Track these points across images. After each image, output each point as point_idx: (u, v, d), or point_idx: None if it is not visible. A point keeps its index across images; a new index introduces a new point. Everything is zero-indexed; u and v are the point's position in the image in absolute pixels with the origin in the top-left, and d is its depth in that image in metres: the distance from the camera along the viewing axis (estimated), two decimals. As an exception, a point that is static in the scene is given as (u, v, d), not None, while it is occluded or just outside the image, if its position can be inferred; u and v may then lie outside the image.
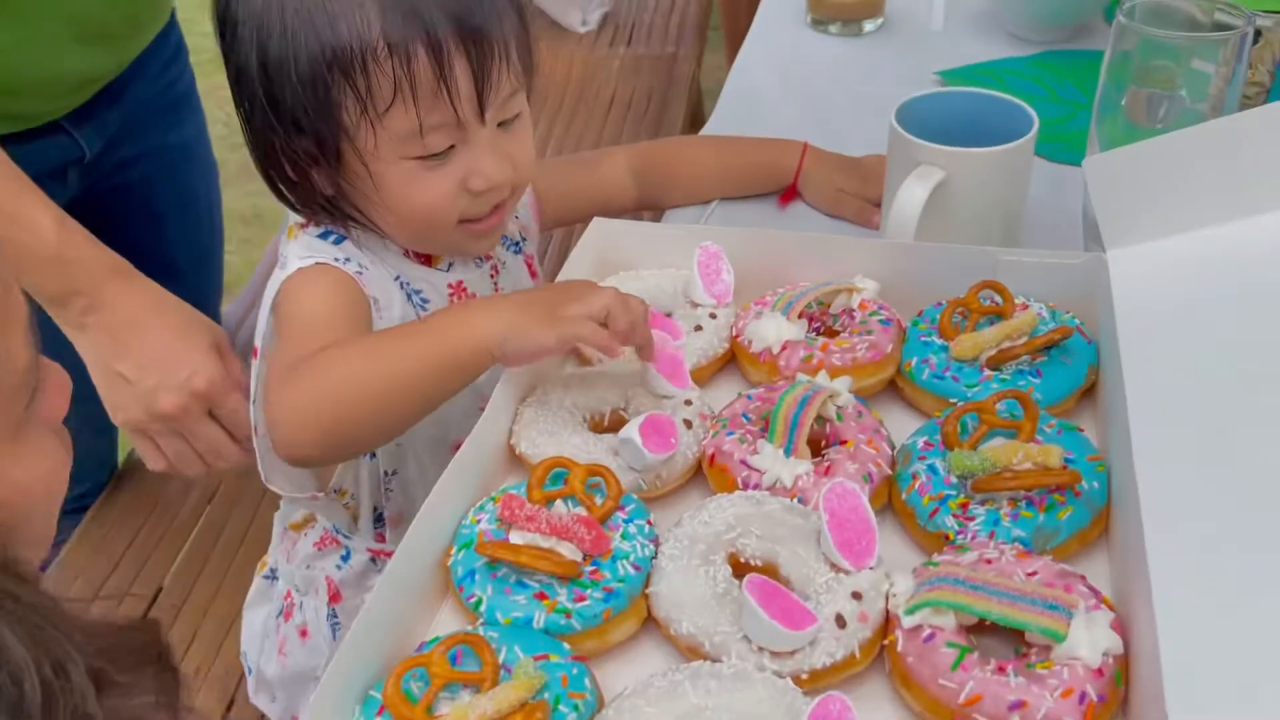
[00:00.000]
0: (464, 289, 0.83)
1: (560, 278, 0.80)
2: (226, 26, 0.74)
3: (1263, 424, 0.63)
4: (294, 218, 0.82)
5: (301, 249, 0.79)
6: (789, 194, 0.98)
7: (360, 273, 0.78)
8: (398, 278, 0.81)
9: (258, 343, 0.80)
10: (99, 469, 1.30)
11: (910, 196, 0.78)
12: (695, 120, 2.23)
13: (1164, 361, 0.67)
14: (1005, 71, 1.14)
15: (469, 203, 0.77)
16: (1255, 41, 0.98)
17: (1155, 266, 0.73)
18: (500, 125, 0.76)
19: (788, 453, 0.66)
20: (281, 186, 0.78)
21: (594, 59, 2.17)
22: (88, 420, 0.93)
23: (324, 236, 0.80)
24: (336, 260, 0.78)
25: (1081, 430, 0.67)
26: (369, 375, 0.69)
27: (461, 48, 0.71)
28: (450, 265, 0.83)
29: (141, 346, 0.81)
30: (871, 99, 1.12)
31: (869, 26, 1.23)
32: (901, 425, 0.72)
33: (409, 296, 0.81)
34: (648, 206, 1.00)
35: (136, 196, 1.13)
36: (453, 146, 0.74)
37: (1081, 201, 0.83)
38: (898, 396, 0.75)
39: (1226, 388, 0.65)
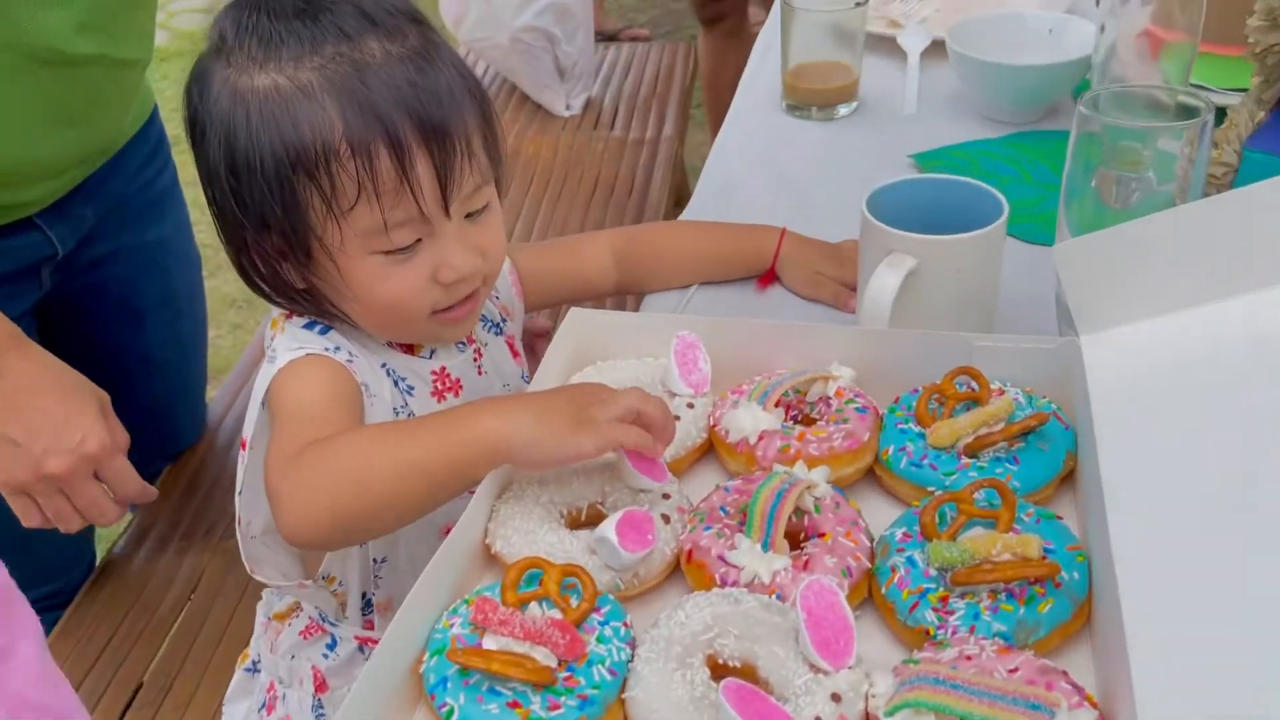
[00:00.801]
0: (447, 375, 0.84)
1: (540, 368, 0.80)
2: (196, 128, 0.76)
3: (1239, 510, 0.62)
4: (276, 309, 0.82)
5: (290, 341, 0.79)
6: (767, 278, 0.99)
7: (350, 360, 0.79)
8: (384, 365, 0.82)
9: (246, 434, 0.80)
10: (74, 565, 1.29)
11: (883, 284, 0.79)
12: (680, 198, 2.26)
13: (1139, 448, 0.67)
14: (978, 153, 1.15)
15: (440, 294, 0.77)
16: (1220, 122, 1.00)
17: (1129, 351, 0.73)
18: (468, 217, 0.77)
19: (765, 547, 0.65)
20: (257, 280, 0.79)
21: (578, 142, 2.20)
22: None
23: (310, 326, 0.81)
24: (327, 350, 0.78)
25: (1061, 519, 0.67)
26: (379, 464, 0.69)
27: (424, 146, 0.72)
28: (432, 352, 0.84)
29: (33, 411, 0.85)
30: (847, 182, 1.13)
31: (843, 111, 1.26)
32: (880, 515, 0.71)
33: (395, 383, 0.82)
34: (628, 290, 1.01)
35: (112, 293, 1.14)
36: (419, 240, 0.75)
37: (1053, 281, 0.83)
38: (876, 485, 0.75)
39: (1203, 474, 0.65)
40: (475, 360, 0.86)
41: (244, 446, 0.80)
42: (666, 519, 0.69)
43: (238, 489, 0.81)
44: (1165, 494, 0.63)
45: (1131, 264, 0.73)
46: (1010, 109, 1.19)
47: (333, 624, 0.88)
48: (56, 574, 1.25)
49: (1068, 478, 0.73)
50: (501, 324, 0.91)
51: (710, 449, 0.78)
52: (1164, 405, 0.69)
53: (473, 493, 0.69)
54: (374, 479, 0.68)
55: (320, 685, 0.88)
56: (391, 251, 0.75)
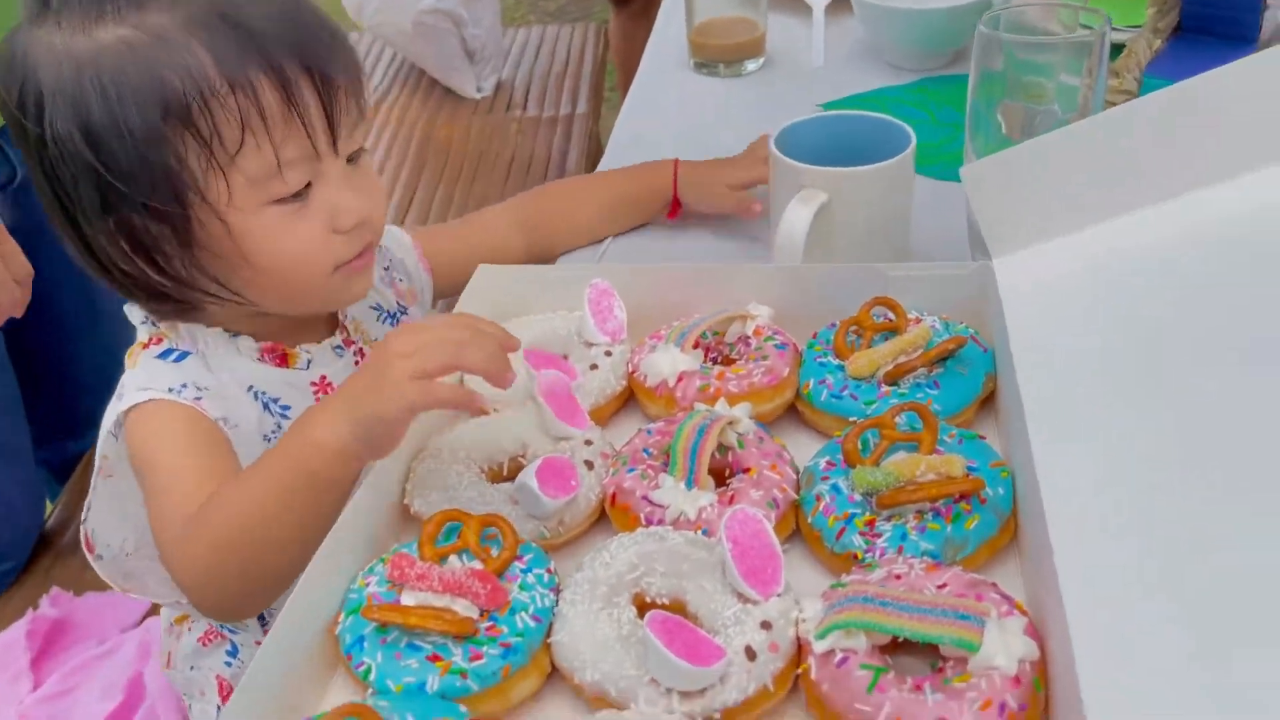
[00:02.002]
0: (329, 385, 0.79)
1: None
2: (27, 110, 0.67)
3: (1155, 417, 0.62)
4: (140, 335, 0.77)
5: (139, 377, 0.74)
6: (674, 209, 0.98)
7: (199, 399, 0.73)
8: (251, 388, 0.76)
9: (98, 458, 0.75)
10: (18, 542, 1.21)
11: (795, 220, 0.78)
12: (594, 160, 2.24)
13: (1055, 363, 0.67)
14: (886, 99, 1.15)
15: (341, 245, 0.73)
16: (1117, 54, 1.01)
17: (1040, 270, 0.73)
18: (349, 161, 0.74)
19: (690, 485, 0.63)
20: (119, 277, 0.72)
21: (491, 124, 2.17)
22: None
23: (165, 355, 0.75)
24: (171, 391, 0.72)
25: (983, 438, 0.66)
26: (249, 517, 0.64)
27: (306, 74, 0.69)
28: (309, 362, 0.79)
29: None
30: (758, 133, 1.13)
31: (751, 66, 1.25)
32: (804, 449, 0.70)
33: (265, 407, 0.77)
34: (536, 257, 0.98)
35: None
36: (309, 185, 0.71)
37: (965, 214, 0.83)
38: (798, 420, 0.74)
39: (1118, 385, 0.65)
40: (357, 362, 0.82)
41: (99, 472, 0.76)
42: (590, 465, 0.67)
43: (84, 515, 0.76)
44: (1083, 407, 0.63)
45: (1038, 183, 0.73)
46: (916, 55, 1.19)
47: (231, 630, 0.83)
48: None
49: (988, 400, 0.72)
50: (399, 314, 0.87)
51: (630, 397, 0.77)
52: (1076, 320, 0.69)
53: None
54: (252, 535, 0.64)
55: (227, 695, 0.83)
56: (286, 200, 0.70)
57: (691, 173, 0.97)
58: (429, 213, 1.92)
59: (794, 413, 0.74)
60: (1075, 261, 0.73)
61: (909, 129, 0.82)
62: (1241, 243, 0.70)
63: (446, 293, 0.94)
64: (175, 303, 0.74)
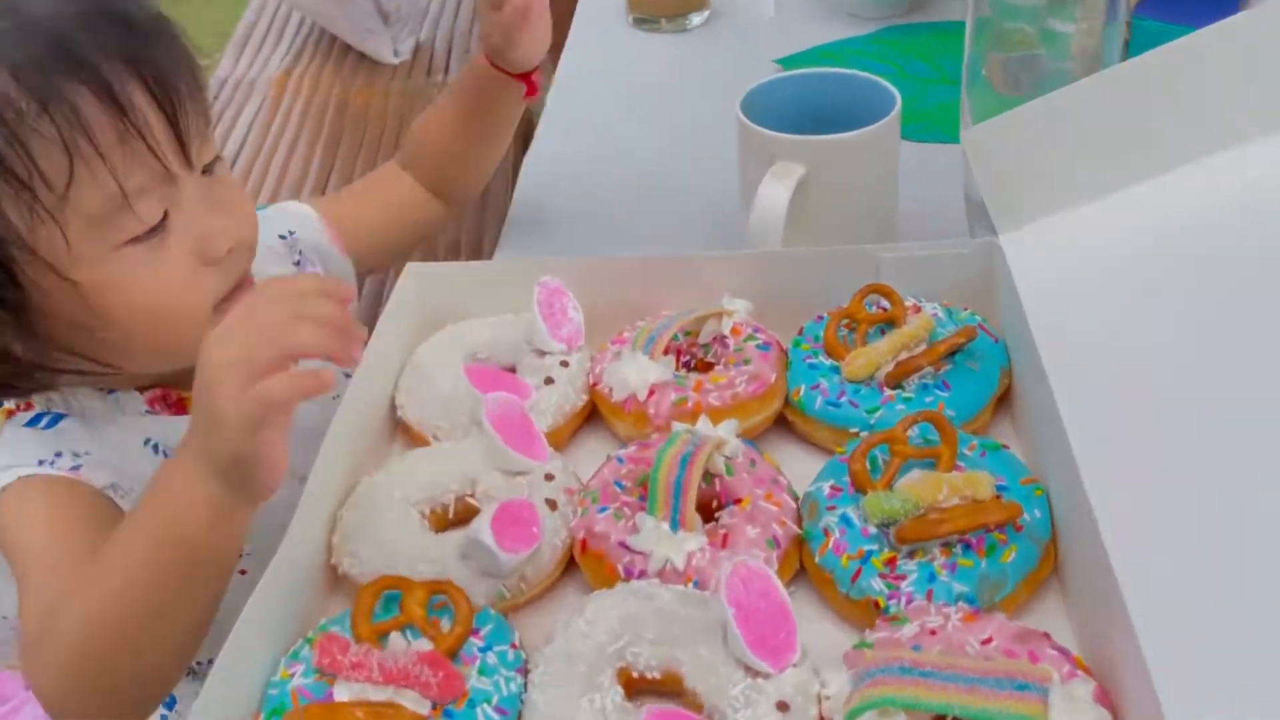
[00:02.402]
0: None
1: (374, 342, 0.66)
2: None
3: (1206, 412, 0.54)
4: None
5: (3, 456, 0.60)
6: (529, 89, 0.82)
7: (77, 467, 0.60)
8: (148, 440, 0.64)
9: None
10: None
11: (771, 198, 0.68)
12: (527, 137, 2.11)
13: (1086, 353, 0.58)
14: (848, 52, 1.05)
15: (215, 279, 0.61)
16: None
17: (1055, 246, 0.64)
18: (205, 171, 0.61)
19: (674, 526, 0.53)
20: None
21: (411, 89, 2.02)
22: None
23: (34, 422, 0.62)
24: (42, 464, 0.60)
25: (1007, 448, 0.57)
26: (105, 618, 0.52)
27: (137, 81, 0.56)
28: None
29: None
30: (711, 94, 1.02)
31: (696, 20, 1.14)
32: (800, 466, 0.61)
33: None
34: (443, 196, 0.85)
35: None
36: (167, 215, 0.58)
37: (962, 182, 0.74)
38: (788, 431, 0.64)
39: (1158, 376, 0.56)
40: None
41: None
42: (552, 504, 0.57)
43: None
44: (1125, 405, 0.55)
45: (1049, 147, 0.64)
46: (876, 3, 1.09)
47: None
48: None
49: (1002, 398, 0.63)
50: None
51: (594, 412, 0.66)
52: (1104, 303, 0.60)
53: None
54: (115, 637, 0.52)
55: None
56: (141, 238, 0.57)
57: (495, 32, 0.78)
58: (349, 190, 1.78)
59: (782, 422, 0.64)
60: (1094, 235, 0.64)
61: (892, 88, 0.72)
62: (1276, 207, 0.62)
63: (367, 265, 0.82)
64: (20, 389, 0.61)
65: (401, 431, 0.67)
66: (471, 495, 0.59)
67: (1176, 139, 0.64)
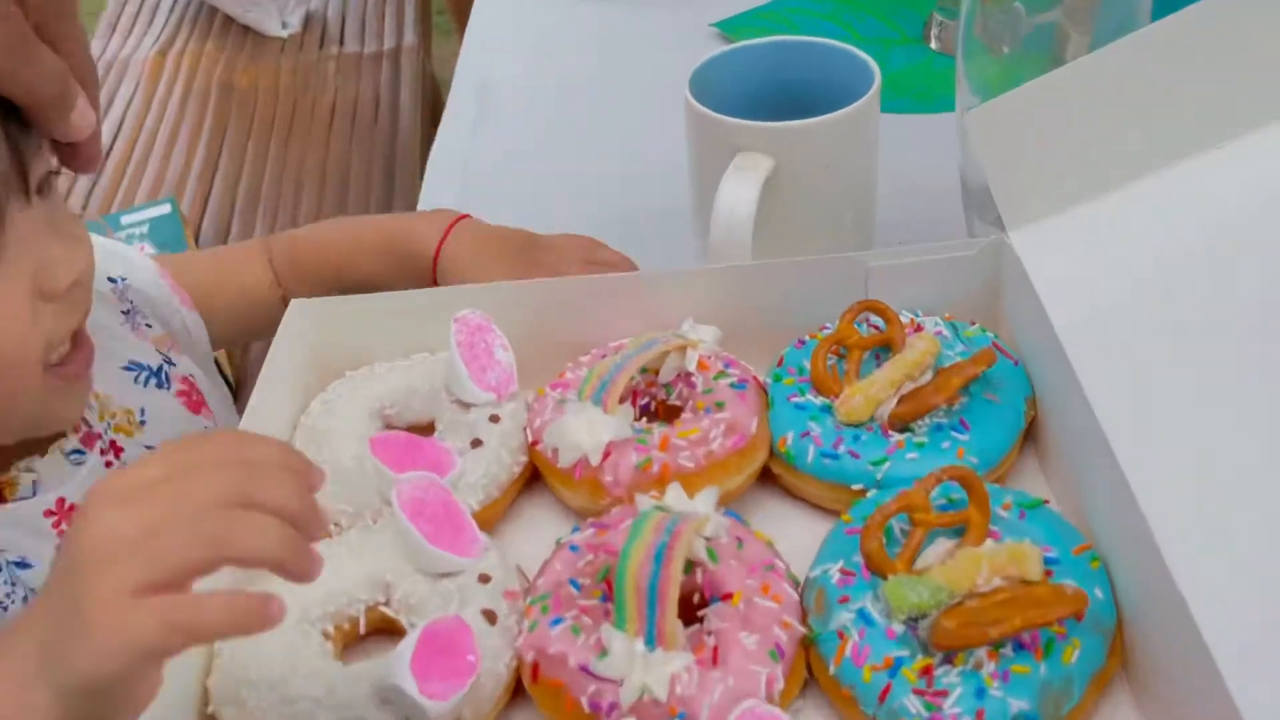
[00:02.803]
0: (70, 511, 0.53)
1: (255, 401, 0.53)
2: None
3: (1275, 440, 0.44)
4: None
5: None
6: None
7: None
8: None
9: None
10: None
11: (736, 200, 0.56)
12: (436, 115, 1.96)
13: (1130, 374, 0.48)
14: (793, 12, 0.93)
15: (54, 317, 0.49)
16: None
17: (1076, 243, 0.53)
18: (39, 192, 0.48)
19: (651, 642, 0.42)
20: None
21: (303, 65, 1.85)
22: None
23: None
24: None
25: (1048, 503, 0.47)
26: None
27: None
28: (35, 485, 0.53)
29: None
30: (640, 67, 0.90)
31: (619, -21, 1.00)
32: (795, 533, 0.50)
33: None
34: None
35: None
36: None
37: (950, 162, 0.63)
38: (774, 485, 0.53)
39: (1216, 392, 0.46)
40: (109, 464, 0.56)
41: None
42: (491, 617, 0.45)
43: None
44: (1186, 443, 0.44)
45: (1061, 129, 0.53)
46: (819, -47, 0.97)
47: None
48: None
49: (1027, 432, 0.53)
50: (167, 365, 0.62)
51: (534, 475, 0.54)
52: (1140, 311, 0.50)
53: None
54: None
55: None
56: None
57: (464, 249, 0.66)
58: (239, 181, 1.61)
59: (767, 473, 0.53)
60: (1120, 228, 0.53)
61: (869, 60, 0.61)
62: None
63: (217, 340, 0.70)
64: None
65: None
66: (385, 604, 0.47)
67: (1213, 114, 0.54)
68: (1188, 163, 0.54)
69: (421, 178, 0.86)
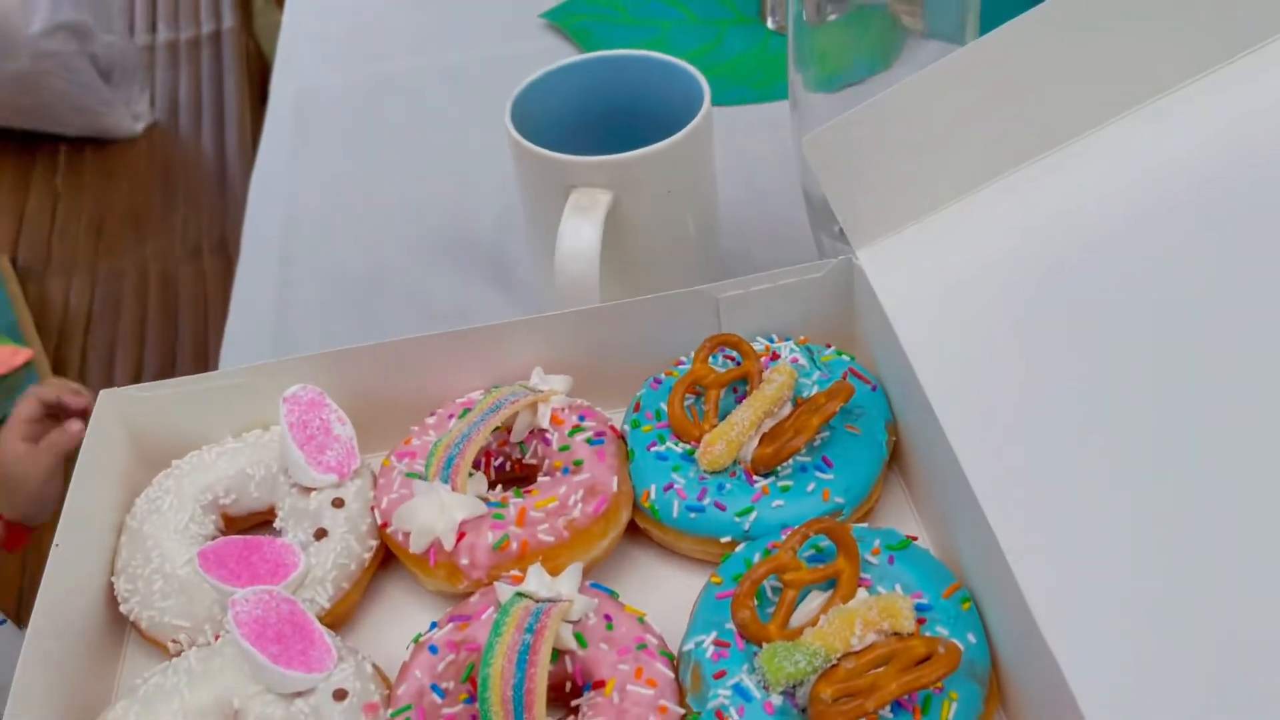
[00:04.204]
0: None
1: (72, 491, 0.48)
2: None
3: (1138, 443, 0.44)
4: None
5: None
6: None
7: None
8: None
9: None
10: None
11: (579, 241, 0.53)
12: (265, 96, 1.85)
13: (984, 399, 0.47)
14: (623, -3, 0.90)
15: None
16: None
17: (921, 259, 0.52)
18: None
19: (521, 753, 0.40)
20: None
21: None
22: None
23: None
24: None
25: (914, 540, 0.46)
26: None
27: None
28: None
29: None
30: (468, 67, 0.85)
31: (438, -32, 0.95)
32: (665, 589, 0.49)
33: None
34: None
35: None
36: None
37: (799, 177, 0.61)
38: (639, 535, 0.51)
39: (1067, 405, 0.46)
40: None
41: None
42: (349, 738, 0.42)
43: None
44: (1042, 470, 0.44)
45: (895, 148, 0.51)
46: (645, -70, 0.93)
47: None
48: None
49: (890, 461, 0.52)
50: None
51: (386, 555, 0.51)
52: (989, 326, 0.49)
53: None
54: None
55: None
56: None
57: None
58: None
59: (631, 525, 0.51)
60: (962, 240, 0.53)
61: (694, 71, 0.58)
62: (1154, 192, 0.52)
63: None
64: None
65: (134, 630, 0.50)
66: (235, 730, 0.43)
67: (1046, 120, 0.53)
68: (1033, 165, 0.53)
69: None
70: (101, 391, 0.52)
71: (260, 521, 0.53)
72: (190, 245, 1.48)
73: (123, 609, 0.48)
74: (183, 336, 1.36)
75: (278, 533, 0.50)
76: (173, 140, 1.62)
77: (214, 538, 0.50)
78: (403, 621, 0.49)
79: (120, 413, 0.52)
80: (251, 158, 1.11)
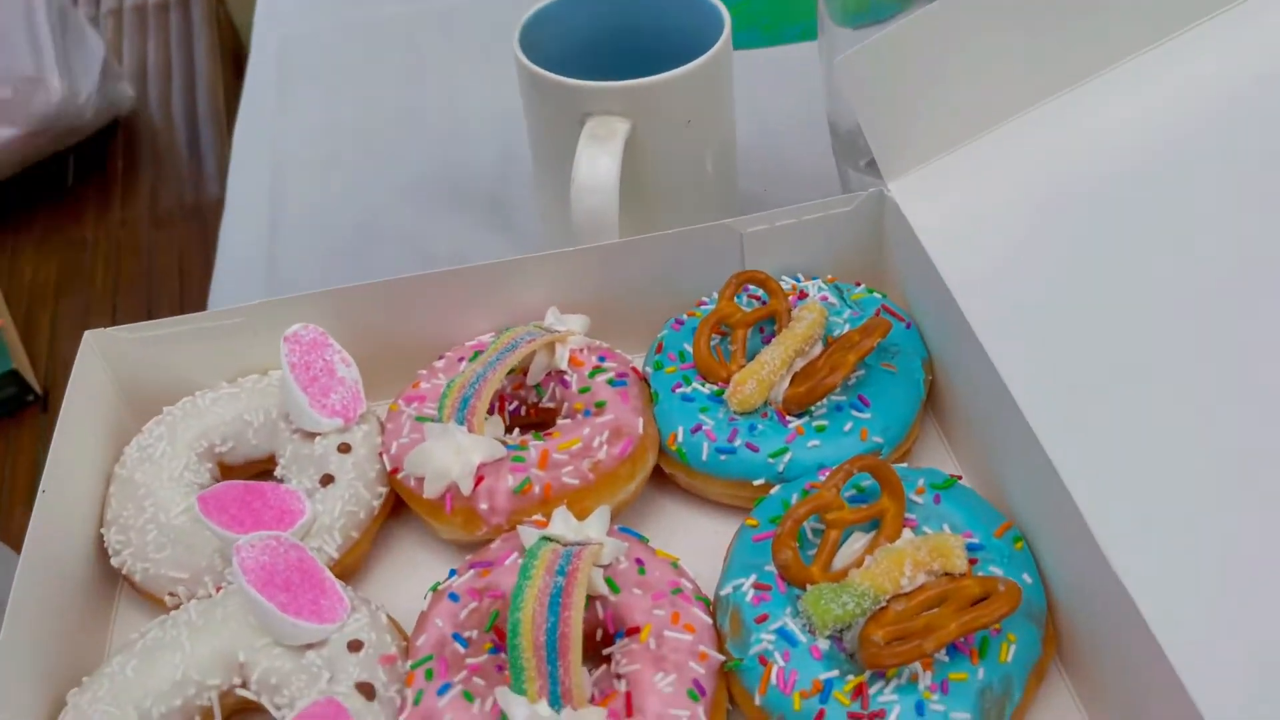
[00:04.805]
0: None
1: (57, 439, 0.45)
2: None
3: (1187, 379, 0.42)
4: None
5: None
6: None
7: None
8: None
9: None
10: None
11: (597, 172, 0.50)
12: (239, 66, 1.80)
13: (1035, 330, 0.45)
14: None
15: None
16: None
17: (959, 190, 0.50)
18: None
19: (555, 703, 0.37)
20: None
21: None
22: None
23: None
24: None
25: (960, 480, 0.44)
26: None
27: None
28: None
29: None
30: (460, 4, 0.82)
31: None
32: (696, 536, 0.46)
33: None
34: None
35: None
36: None
37: (824, 109, 0.58)
38: (666, 482, 0.49)
39: (1133, 339, 0.44)
40: None
41: None
42: (368, 691, 0.39)
43: None
44: (1100, 399, 0.42)
45: (932, 71, 0.49)
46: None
47: None
48: None
49: (926, 401, 0.50)
50: None
51: (396, 502, 0.48)
52: (1035, 256, 0.47)
53: None
54: None
55: None
56: None
57: None
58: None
59: (657, 471, 0.48)
60: (1000, 170, 0.50)
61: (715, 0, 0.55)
62: (1186, 119, 0.50)
63: None
64: None
65: (127, 584, 0.46)
66: (242, 684, 0.40)
67: (1088, 44, 0.51)
68: (1066, 95, 0.51)
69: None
70: (86, 333, 0.49)
71: (259, 471, 0.49)
72: (162, 212, 1.43)
73: (114, 562, 0.45)
74: (157, 306, 1.32)
75: (279, 481, 0.47)
76: (141, 106, 1.57)
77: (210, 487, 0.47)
78: (414, 573, 0.46)
79: (106, 355, 0.49)
80: (224, 124, 1.06)
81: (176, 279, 1.35)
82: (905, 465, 0.46)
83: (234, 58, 1.73)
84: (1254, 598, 0.36)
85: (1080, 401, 0.42)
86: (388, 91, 0.77)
